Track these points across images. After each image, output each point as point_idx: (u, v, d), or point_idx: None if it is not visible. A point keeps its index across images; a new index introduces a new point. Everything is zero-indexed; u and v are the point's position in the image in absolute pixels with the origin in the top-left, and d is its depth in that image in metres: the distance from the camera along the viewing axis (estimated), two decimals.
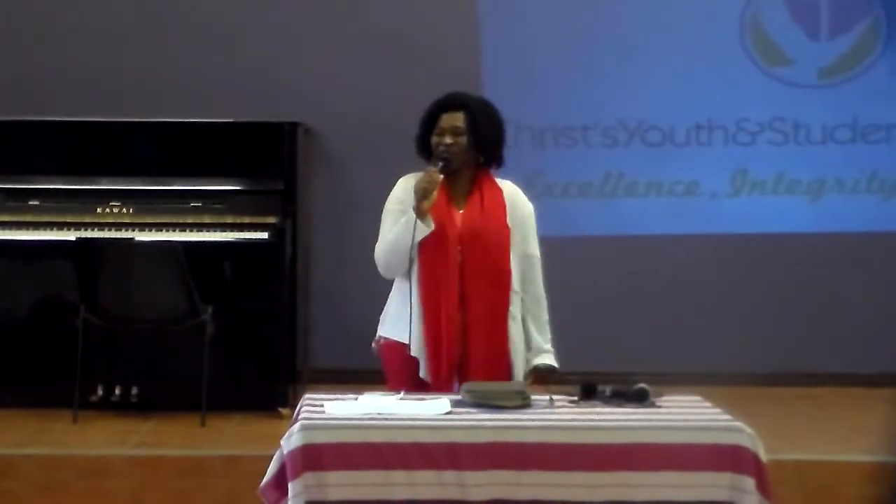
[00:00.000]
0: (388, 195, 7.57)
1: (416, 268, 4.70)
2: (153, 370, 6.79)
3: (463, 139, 4.67)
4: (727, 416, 4.44)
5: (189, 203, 6.83)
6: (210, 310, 6.55)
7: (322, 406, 4.57)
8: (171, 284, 6.45)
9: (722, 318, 7.67)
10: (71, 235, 6.66)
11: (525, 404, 4.55)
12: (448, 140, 4.67)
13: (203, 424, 6.43)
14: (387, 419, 4.41)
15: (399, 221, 4.71)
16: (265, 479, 4.36)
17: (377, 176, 7.63)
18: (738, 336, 7.65)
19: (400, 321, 4.78)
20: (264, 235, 6.76)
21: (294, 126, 7.16)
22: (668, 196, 7.73)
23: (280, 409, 6.72)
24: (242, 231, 6.77)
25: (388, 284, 7.57)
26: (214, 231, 6.77)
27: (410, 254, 4.66)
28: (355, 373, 7.08)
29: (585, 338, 7.56)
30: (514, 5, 7.71)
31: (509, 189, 4.79)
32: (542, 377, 4.82)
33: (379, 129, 7.59)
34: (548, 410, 4.54)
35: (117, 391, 6.74)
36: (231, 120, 7.15)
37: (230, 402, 6.82)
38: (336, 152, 7.66)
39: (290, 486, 4.27)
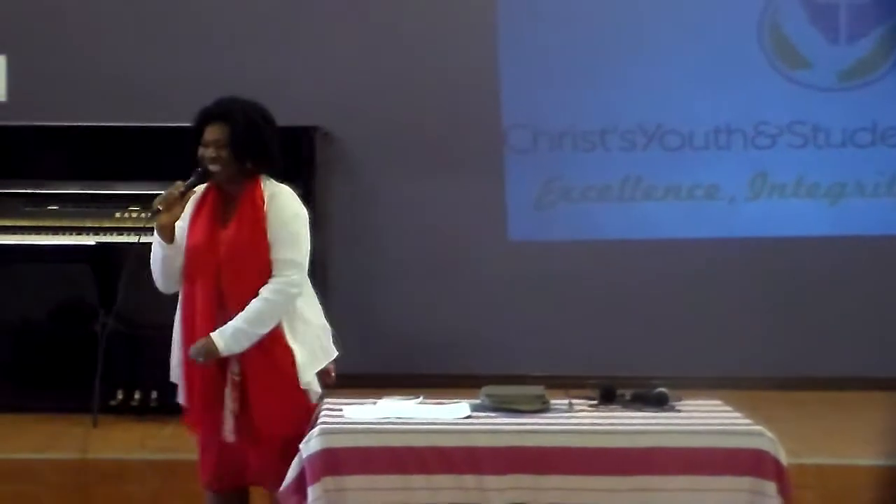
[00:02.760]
0: (408, 199, 7.63)
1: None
2: None
3: (225, 152, 4.49)
4: (747, 420, 4.43)
5: None
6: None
7: (341, 410, 4.58)
8: None
9: (741, 322, 7.64)
10: (90, 240, 6.66)
11: (544, 408, 4.55)
12: (211, 153, 4.49)
13: None
14: (406, 423, 4.42)
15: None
16: (285, 484, 4.36)
17: (396, 180, 7.69)
18: (758, 340, 7.62)
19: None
20: None
21: (313, 130, 7.16)
22: (687, 200, 7.70)
23: None
24: None
25: (408, 289, 7.62)
26: None
27: (167, 270, 4.50)
28: (374, 377, 7.10)
29: (604, 342, 7.55)
30: (532, 9, 7.70)
31: (272, 194, 4.53)
32: (197, 349, 4.43)
33: (398, 133, 7.60)
34: (567, 414, 4.54)
35: (137, 396, 6.75)
36: None
37: None
38: (355, 157, 7.65)
39: (309, 490, 4.27)
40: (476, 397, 4.67)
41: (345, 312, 7.51)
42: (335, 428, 4.39)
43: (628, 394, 4.67)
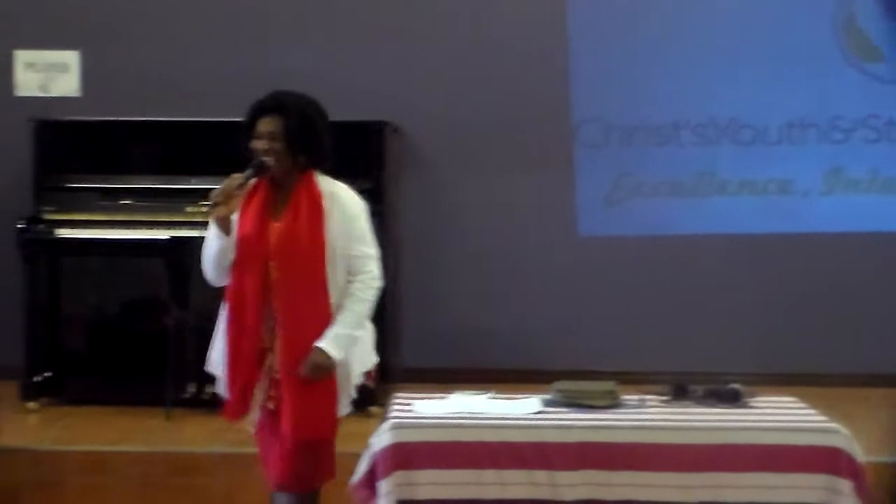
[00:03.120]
0: (477, 194, 7.61)
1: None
2: None
3: (279, 144, 4.46)
4: (822, 417, 4.38)
5: None
6: None
7: (412, 405, 4.58)
8: None
9: (816, 318, 7.57)
10: (163, 234, 6.71)
11: (616, 404, 4.53)
12: (264, 145, 4.47)
13: None
14: (477, 418, 4.42)
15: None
16: (355, 477, 4.37)
17: (467, 175, 7.68)
18: (831, 335, 7.54)
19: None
20: None
21: (382, 125, 7.17)
22: (761, 195, 7.64)
23: (370, 408, 6.71)
24: None
25: (478, 284, 7.61)
26: None
27: (222, 262, 4.48)
28: (445, 372, 7.11)
29: (676, 337, 7.51)
30: (604, 1, 7.66)
31: (332, 192, 4.51)
32: (313, 365, 4.38)
33: (467, 127, 7.58)
34: (639, 410, 4.51)
35: (209, 389, 6.79)
36: None
37: None
38: (425, 151, 7.65)
39: (380, 484, 4.29)
40: (547, 393, 4.66)
41: (414, 307, 7.55)
42: (406, 422, 4.40)
43: (701, 390, 4.64)
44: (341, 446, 5.91)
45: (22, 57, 7.67)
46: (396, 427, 4.37)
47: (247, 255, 4.45)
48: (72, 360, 7.04)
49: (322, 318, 4.39)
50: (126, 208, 6.84)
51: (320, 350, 4.34)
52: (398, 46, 7.63)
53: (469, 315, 7.56)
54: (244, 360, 4.43)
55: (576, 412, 4.46)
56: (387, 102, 7.44)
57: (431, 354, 7.46)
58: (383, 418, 4.63)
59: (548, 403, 4.57)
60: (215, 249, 4.48)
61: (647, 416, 4.42)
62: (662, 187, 7.67)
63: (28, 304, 6.90)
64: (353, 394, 4.54)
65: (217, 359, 4.58)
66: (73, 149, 7.14)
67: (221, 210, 4.41)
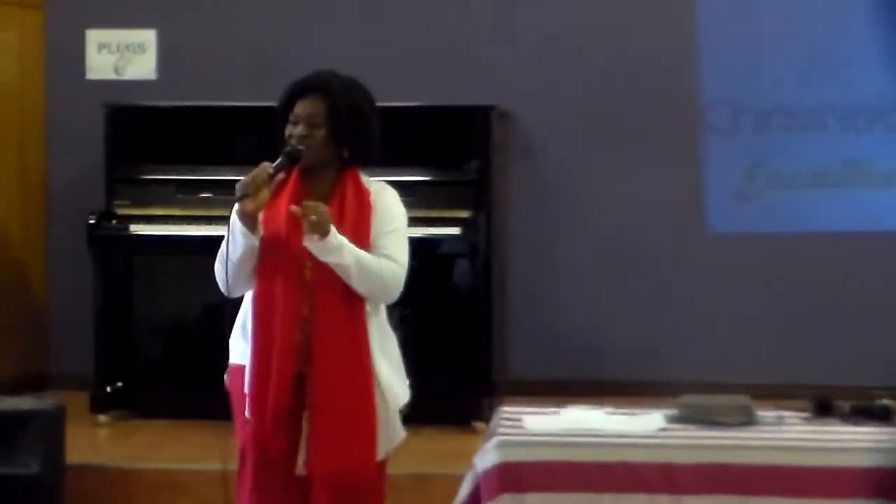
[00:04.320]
0: (593, 187, 7.58)
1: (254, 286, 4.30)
2: None
3: (320, 131, 4.26)
4: None
5: None
6: (396, 313, 6.56)
7: (520, 420, 4.58)
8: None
9: None
10: None
11: (750, 421, 4.50)
12: (301, 131, 4.27)
13: None
14: (593, 436, 4.41)
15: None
16: (457, 501, 4.36)
17: (580, 165, 7.64)
18: None
19: (241, 343, 4.39)
20: (455, 231, 6.76)
21: (488, 109, 7.16)
22: None
23: (474, 424, 6.71)
24: (431, 226, 6.77)
25: (594, 285, 7.57)
26: None
27: (245, 267, 4.25)
28: (557, 384, 7.09)
29: (818, 347, 7.42)
30: None
31: (378, 193, 4.36)
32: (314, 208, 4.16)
33: (581, 112, 7.55)
34: (776, 428, 4.48)
35: None
36: (418, 104, 7.16)
37: (418, 416, 6.77)
38: (535, 139, 7.63)
39: None
40: (671, 407, 4.63)
41: (523, 311, 7.54)
42: (514, 440, 4.39)
43: (847, 406, 4.60)
44: (441, 466, 5.92)
45: (94, 37, 7.76)
46: (503, 445, 4.36)
47: (278, 259, 4.22)
48: (146, 370, 7.11)
49: (361, 336, 4.25)
50: (207, 202, 6.89)
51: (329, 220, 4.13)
52: (505, 20, 7.62)
53: (583, 321, 7.52)
54: (274, 383, 4.21)
55: (704, 430, 4.44)
56: (493, 85, 7.44)
57: (542, 364, 7.44)
58: (488, 435, 4.62)
59: (673, 420, 4.55)
60: (240, 252, 4.22)
61: (785, 435, 4.39)
62: (802, 179, 7.59)
63: (98, 308, 6.97)
64: (398, 429, 4.39)
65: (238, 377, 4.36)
66: (149, 137, 7.22)
67: (248, 205, 4.16)
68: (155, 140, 7.20)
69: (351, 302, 4.23)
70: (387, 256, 4.27)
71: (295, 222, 4.19)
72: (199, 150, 7.12)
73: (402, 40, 7.50)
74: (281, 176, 4.25)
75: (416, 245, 6.74)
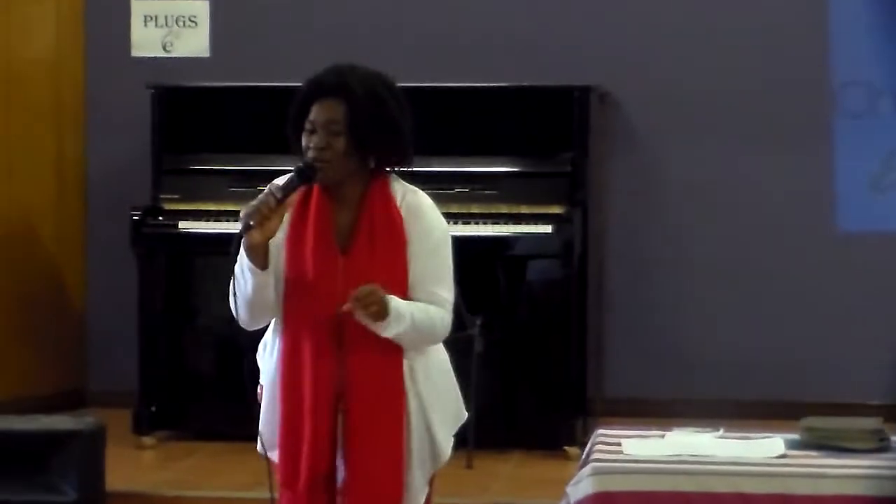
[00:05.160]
0: (705, 178, 7.56)
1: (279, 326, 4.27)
2: None
3: (340, 140, 4.16)
4: None
5: (453, 188, 6.89)
6: (479, 322, 6.59)
7: (619, 444, 4.58)
8: None
9: None
10: None
11: (883, 447, 4.48)
12: (319, 141, 4.18)
13: (470, 466, 6.48)
14: (702, 462, 4.40)
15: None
16: None
17: (691, 154, 7.62)
18: None
19: (268, 362, 4.39)
20: (547, 229, 6.76)
21: (587, 90, 7.16)
22: None
23: (566, 448, 6.72)
24: (520, 223, 6.79)
25: (703, 291, 7.56)
26: (485, 223, 6.80)
27: (261, 303, 4.19)
28: (661, 403, 7.07)
29: None
30: None
31: (412, 206, 4.25)
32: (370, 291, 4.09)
33: (692, 94, 7.53)
34: None
35: None
36: (506, 84, 7.19)
37: (504, 439, 6.85)
38: (641, 125, 7.63)
39: None
40: (793, 431, 4.62)
41: (623, 320, 7.53)
42: (612, 467, 4.39)
43: None
44: (530, 496, 5.93)
45: (139, 8, 7.82)
46: (600, 472, 4.36)
47: (305, 304, 4.18)
48: (196, 385, 7.17)
49: (398, 395, 4.22)
50: None
51: (384, 296, 4.07)
52: None
53: (692, 333, 7.50)
54: (310, 439, 4.21)
55: (831, 457, 4.42)
56: (592, 62, 7.44)
57: (644, 381, 7.42)
58: (583, 461, 4.63)
59: (794, 445, 4.54)
60: (251, 290, 4.15)
61: None
62: None
63: (143, 315, 7.04)
64: (442, 457, 4.32)
65: (271, 429, 4.35)
66: (200, 122, 7.28)
67: (255, 236, 4.08)
68: (207, 126, 7.26)
69: (393, 347, 4.19)
70: (432, 301, 4.21)
71: (326, 259, 4.16)
72: (255, 137, 7.13)
73: (481, 15, 7.50)
74: (293, 198, 4.17)
75: (502, 244, 6.88)
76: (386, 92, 4.24)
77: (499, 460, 6.67)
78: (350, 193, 4.23)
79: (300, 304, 4.19)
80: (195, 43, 7.79)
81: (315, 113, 4.19)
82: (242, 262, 4.15)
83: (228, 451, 6.73)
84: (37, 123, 7.62)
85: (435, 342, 4.27)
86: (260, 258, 4.11)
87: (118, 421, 6.81)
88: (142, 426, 6.96)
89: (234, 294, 4.18)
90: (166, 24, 7.79)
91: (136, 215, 6.92)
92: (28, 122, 7.58)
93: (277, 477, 4.30)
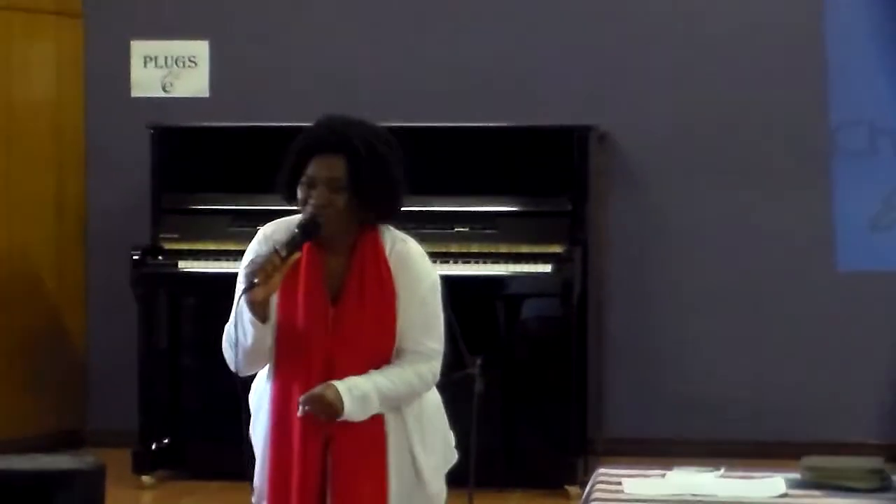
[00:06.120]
0: (705, 218, 7.55)
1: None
2: None
3: (342, 197, 4.20)
4: None
5: (453, 227, 6.90)
6: (479, 361, 6.57)
7: (620, 484, 4.57)
8: None
9: None
10: None
11: (885, 486, 4.47)
12: (321, 198, 4.21)
13: None
14: (703, 502, 4.39)
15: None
16: None
17: (691, 194, 7.63)
18: None
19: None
20: (547, 268, 6.77)
21: (586, 131, 7.17)
22: None
23: (567, 488, 6.72)
24: (520, 263, 6.80)
25: (705, 331, 7.55)
26: (485, 263, 6.81)
27: (259, 352, 4.26)
28: (662, 442, 7.06)
29: None
30: None
31: (401, 256, 4.31)
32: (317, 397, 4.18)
33: (692, 134, 7.54)
34: None
35: None
36: (506, 124, 7.20)
37: (505, 478, 6.84)
38: (640, 165, 7.63)
39: None
40: (794, 470, 4.61)
41: (623, 359, 7.53)
42: None
43: None
44: None
45: (139, 49, 7.85)
46: None
47: (295, 354, 4.25)
48: (196, 424, 7.16)
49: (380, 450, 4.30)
50: None
51: (335, 390, 4.15)
52: (604, 33, 7.62)
53: (692, 371, 7.50)
54: (298, 492, 4.27)
55: (832, 496, 4.41)
56: (592, 103, 7.45)
57: (644, 420, 7.42)
58: (584, 500, 4.62)
59: (795, 485, 4.53)
60: (250, 341, 4.22)
61: None
62: None
63: (143, 354, 7.05)
64: (434, 500, 4.38)
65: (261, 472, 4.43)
66: (200, 162, 7.29)
67: (258, 293, 4.15)
68: (207, 165, 7.26)
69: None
70: (419, 351, 4.27)
71: (316, 310, 4.23)
72: (255, 177, 7.12)
73: (482, 54, 7.51)
74: (298, 255, 4.21)
75: (502, 284, 6.88)
76: (385, 148, 4.27)
77: (500, 500, 6.66)
78: (340, 242, 4.29)
79: (291, 351, 4.26)
80: (195, 83, 7.81)
81: (315, 168, 4.23)
82: (243, 316, 4.20)
83: (227, 490, 6.73)
84: (37, 164, 7.64)
85: (418, 397, 4.32)
86: (261, 312, 4.18)
87: (118, 460, 6.78)
88: (142, 465, 6.97)
89: (234, 345, 4.23)
90: (166, 65, 7.82)
91: (135, 255, 6.93)
92: (28, 162, 7.60)
93: None
